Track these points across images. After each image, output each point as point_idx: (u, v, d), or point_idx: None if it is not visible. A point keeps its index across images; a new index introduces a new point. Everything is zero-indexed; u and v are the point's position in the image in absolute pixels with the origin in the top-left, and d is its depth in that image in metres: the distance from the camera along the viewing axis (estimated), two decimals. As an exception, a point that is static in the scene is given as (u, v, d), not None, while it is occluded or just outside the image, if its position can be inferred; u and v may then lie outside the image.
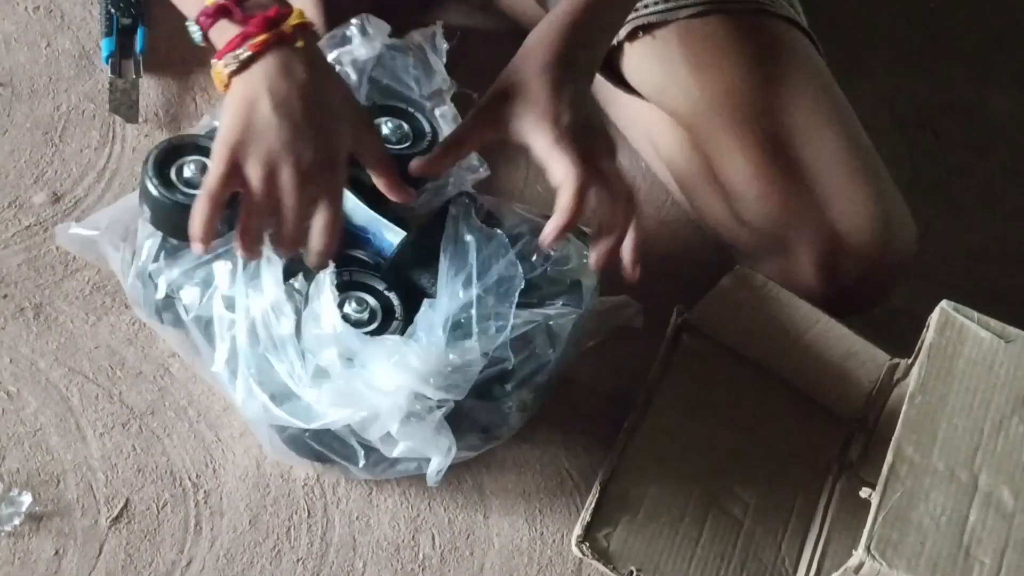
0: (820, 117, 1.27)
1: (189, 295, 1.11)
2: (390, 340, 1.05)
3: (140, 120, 1.35)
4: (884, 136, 1.30)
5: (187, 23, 1.06)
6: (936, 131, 1.54)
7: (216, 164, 1.03)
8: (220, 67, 1.03)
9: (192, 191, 1.09)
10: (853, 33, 1.48)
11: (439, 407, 1.05)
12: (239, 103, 1.03)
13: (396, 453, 1.08)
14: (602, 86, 1.40)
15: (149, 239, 1.13)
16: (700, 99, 1.29)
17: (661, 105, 1.33)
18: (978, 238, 1.44)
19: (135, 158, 1.30)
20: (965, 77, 1.60)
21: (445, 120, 1.26)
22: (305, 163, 1.03)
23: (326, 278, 1.05)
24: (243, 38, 1.02)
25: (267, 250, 1.06)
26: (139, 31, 1.39)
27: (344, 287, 1.08)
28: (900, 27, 1.64)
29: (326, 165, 1.04)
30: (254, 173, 1.02)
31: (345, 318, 1.06)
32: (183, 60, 1.41)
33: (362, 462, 1.11)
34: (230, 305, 1.09)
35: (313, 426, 1.06)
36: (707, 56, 1.29)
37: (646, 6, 1.30)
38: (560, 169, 1.07)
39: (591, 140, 1.10)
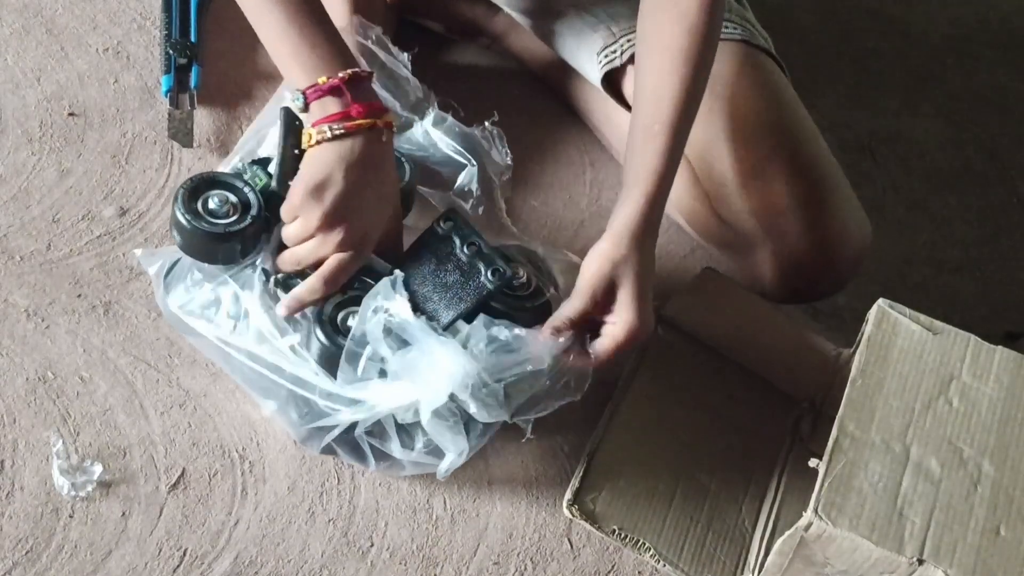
0: (789, 131, 1.27)
1: (201, 313, 1.11)
2: (446, 337, 1.05)
3: (194, 145, 1.35)
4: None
5: (290, 90, 1.07)
6: (873, 154, 1.54)
7: (287, 202, 1.07)
8: (314, 132, 1.05)
9: (216, 220, 1.10)
10: (801, 68, 1.48)
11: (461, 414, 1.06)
12: (319, 165, 1.06)
13: (415, 453, 1.08)
14: (600, 105, 1.40)
15: (171, 260, 1.13)
16: None
17: None
18: (909, 244, 1.45)
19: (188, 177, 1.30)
20: (898, 108, 1.60)
21: (440, 128, 1.22)
22: (350, 229, 1.06)
23: (399, 280, 1.06)
24: (343, 117, 1.05)
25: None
26: (194, 69, 1.39)
27: (348, 303, 1.08)
28: (842, 64, 1.64)
29: (364, 237, 1.08)
30: (307, 220, 1.06)
31: (347, 330, 1.06)
32: (231, 94, 1.41)
33: (372, 466, 1.11)
34: (236, 321, 1.10)
35: (349, 417, 1.06)
36: None
37: None
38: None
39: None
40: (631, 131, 1.17)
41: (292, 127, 1.09)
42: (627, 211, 1.12)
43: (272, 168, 1.10)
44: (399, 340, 1.04)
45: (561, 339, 1.08)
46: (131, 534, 1.08)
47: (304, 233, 1.07)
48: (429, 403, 1.03)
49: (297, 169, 1.08)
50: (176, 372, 1.18)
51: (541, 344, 1.07)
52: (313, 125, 1.06)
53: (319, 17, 1.08)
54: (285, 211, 1.09)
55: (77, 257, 1.25)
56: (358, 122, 1.05)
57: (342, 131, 1.05)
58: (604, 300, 1.11)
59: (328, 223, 1.06)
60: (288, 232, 1.09)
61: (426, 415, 1.03)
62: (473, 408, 1.03)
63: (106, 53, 1.43)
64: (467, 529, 1.13)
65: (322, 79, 1.05)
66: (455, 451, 1.05)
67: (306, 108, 1.06)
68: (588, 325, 1.11)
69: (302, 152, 1.08)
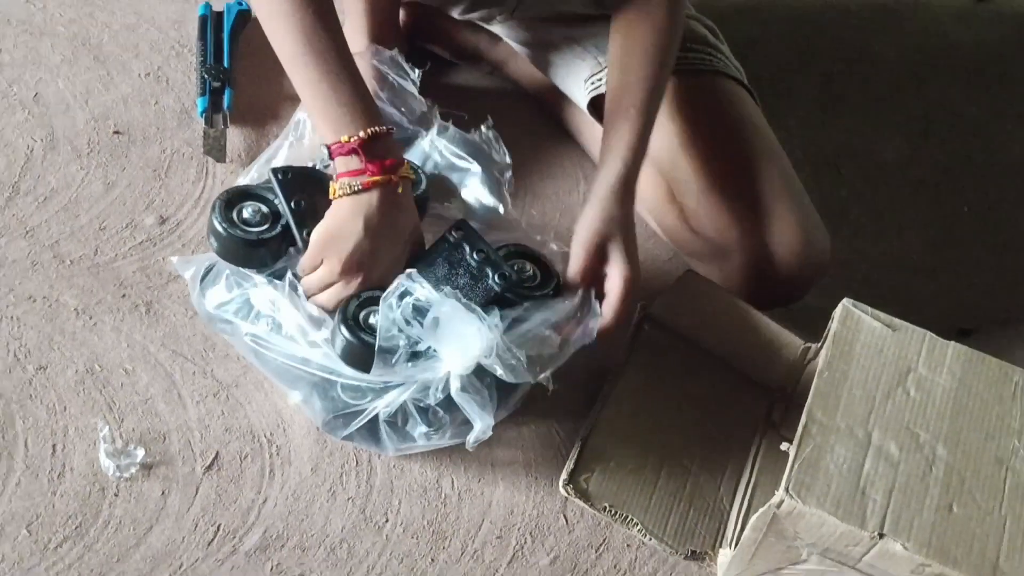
0: (758, 154, 1.27)
1: (235, 312, 1.11)
2: (477, 312, 1.05)
3: (227, 160, 1.36)
4: (798, 172, 1.29)
5: (322, 144, 1.08)
6: (838, 168, 1.54)
7: (311, 249, 1.08)
8: (336, 186, 1.06)
9: (249, 228, 1.10)
10: (773, 93, 1.48)
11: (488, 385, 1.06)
12: (342, 217, 1.07)
13: (436, 435, 1.08)
14: (588, 126, 1.40)
15: (205, 266, 1.13)
16: (667, 138, 1.29)
17: None
18: (870, 250, 1.44)
19: (222, 189, 1.30)
20: (860, 127, 1.60)
21: (444, 137, 1.22)
22: (368, 274, 1.08)
23: (414, 274, 1.06)
24: (359, 173, 1.05)
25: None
26: (226, 92, 1.40)
27: (368, 302, 1.08)
28: (810, 88, 1.64)
29: (380, 277, 1.09)
30: (332, 265, 1.07)
31: (369, 327, 1.06)
32: (260, 115, 1.41)
33: (390, 451, 1.11)
34: (270, 323, 1.10)
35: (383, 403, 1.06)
36: (674, 106, 1.29)
37: None
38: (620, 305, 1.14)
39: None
40: (607, 116, 1.19)
41: (285, 183, 1.11)
42: (609, 177, 1.15)
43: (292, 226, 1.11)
44: (428, 319, 1.04)
45: (574, 299, 1.10)
46: (170, 511, 1.08)
47: (327, 279, 1.08)
48: (459, 372, 1.03)
49: (310, 214, 1.09)
50: (211, 365, 1.18)
51: (553, 306, 1.09)
52: (337, 177, 1.07)
53: (348, 73, 1.07)
54: (306, 259, 1.09)
55: (121, 261, 1.25)
56: (374, 179, 1.06)
57: (359, 187, 1.06)
58: (598, 256, 1.13)
59: (348, 269, 1.07)
60: (311, 280, 1.09)
61: (456, 384, 1.03)
62: (500, 371, 1.03)
63: (147, 77, 1.43)
64: (473, 506, 1.13)
65: (345, 137, 1.06)
66: (482, 423, 1.04)
67: (331, 158, 1.07)
68: (595, 287, 1.14)
69: (305, 201, 1.10)
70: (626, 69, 1.20)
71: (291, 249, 1.12)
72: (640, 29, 1.20)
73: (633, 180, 1.17)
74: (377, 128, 1.07)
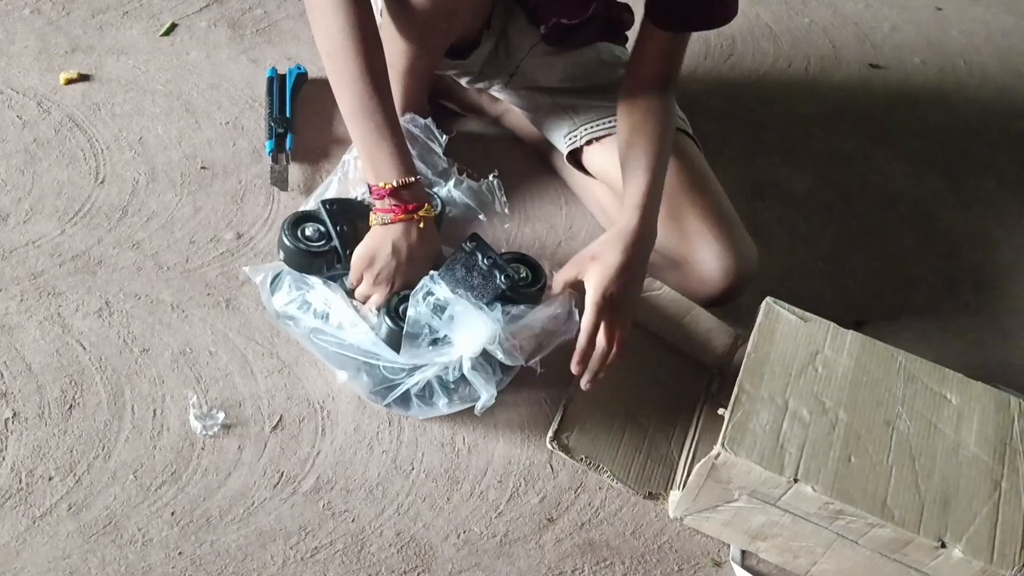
0: (698, 188, 1.27)
1: (293, 311, 1.11)
2: (478, 305, 1.05)
3: (289, 190, 1.36)
4: (731, 200, 1.30)
5: (366, 181, 1.10)
6: (762, 195, 1.54)
7: (353, 266, 1.10)
8: (375, 218, 1.09)
9: (311, 244, 1.11)
10: (712, 138, 1.48)
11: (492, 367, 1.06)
12: (375, 241, 1.09)
13: (453, 403, 1.08)
14: (570, 173, 1.40)
15: (271, 273, 1.14)
16: None
17: (606, 182, 1.33)
18: (787, 261, 1.45)
19: (285, 212, 1.30)
20: (779, 164, 1.61)
21: (459, 189, 1.23)
22: (393, 284, 1.09)
23: (436, 277, 1.07)
24: (390, 211, 1.08)
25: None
26: (288, 136, 1.40)
27: (404, 299, 1.08)
28: (741, 134, 1.64)
29: (403, 286, 1.10)
30: (368, 278, 1.09)
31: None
32: (314, 154, 1.41)
33: (419, 415, 1.11)
34: (321, 316, 1.10)
35: (414, 376, 1.06)
36: None
37: (599, 125, 1.30)
38: (586, 320, 1.08)
39: (620, 311, 1.09)
40: (624, 175, 1.15)
41: (332, 212, 1.12)
42: (618, 229, 1.12)
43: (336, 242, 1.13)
44: (445, 316, 1.04)
45: (558, 305, 1.09)
46: (244, 461, 1.08)
47: (365, 291, 1.10)
48: (469, 354, 1.03)
49: (351, 236, 1.11)
50: (276, 348, 1.18)
51: (543, 309, 1.08)
52: (374, 212, 1.09)
53: (391, 132, 1.08)
54: (352, 275, 1.11)
55: (207, 268, 1.25)
56: (400, 217, 1.08)
57: (389, 222, 1.08)
58: (576, 289, 1.11)
59: (379, 282, 1.09)
60: (358, 292, 1.11)
61: (468, 364, 1.04)
62: (500, 355, 1.03)
63: (227, 125, 1.43)
64: (479, 458, 1.14)
65: (382, 183, 1.07)
66: (487, 394, 1.05)
67: (372, 196, 1.09)
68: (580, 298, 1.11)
69: (347, 227, 1.12)
70: (640, 159, 1.15)
71: (338, 265, 1.13)
72: (648, 124, 1.18)
73: (636, 238, 1.11)
74: (407, 179, 1.08)
